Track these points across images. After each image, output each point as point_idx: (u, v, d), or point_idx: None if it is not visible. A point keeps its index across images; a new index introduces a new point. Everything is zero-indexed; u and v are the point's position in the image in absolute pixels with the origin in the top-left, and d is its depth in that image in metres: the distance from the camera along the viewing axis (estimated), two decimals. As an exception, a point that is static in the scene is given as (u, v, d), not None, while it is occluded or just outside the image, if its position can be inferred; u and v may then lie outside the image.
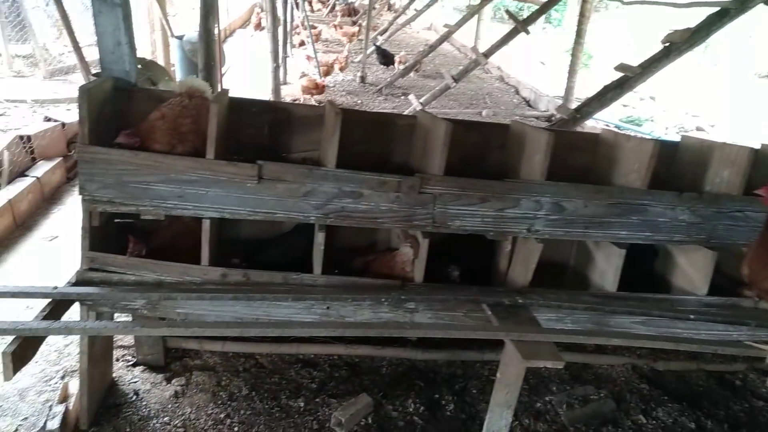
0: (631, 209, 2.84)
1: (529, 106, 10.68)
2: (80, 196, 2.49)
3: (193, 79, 2.74)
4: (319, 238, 2.66)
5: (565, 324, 2.87)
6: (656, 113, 11.73)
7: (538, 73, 13.71)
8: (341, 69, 10.76)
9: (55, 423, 2.68)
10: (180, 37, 7.62)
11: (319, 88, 8.72)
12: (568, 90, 9.42)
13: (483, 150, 3.20)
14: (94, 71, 5.20)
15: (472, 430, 3.16)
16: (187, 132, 2.62)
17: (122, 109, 2.77)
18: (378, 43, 13.11)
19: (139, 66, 3.43)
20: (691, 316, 2.86)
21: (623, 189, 2.86)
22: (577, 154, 3.28)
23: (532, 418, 3.27)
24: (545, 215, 2.80)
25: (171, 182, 2.50)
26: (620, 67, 4.70)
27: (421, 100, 7.87)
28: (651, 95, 13.90)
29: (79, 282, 2.57)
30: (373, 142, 3.11)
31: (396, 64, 11.76)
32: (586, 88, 11.25)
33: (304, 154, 3.06)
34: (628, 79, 4.53)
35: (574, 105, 9.87)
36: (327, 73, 10.20)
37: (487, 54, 7.84)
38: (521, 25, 7.47)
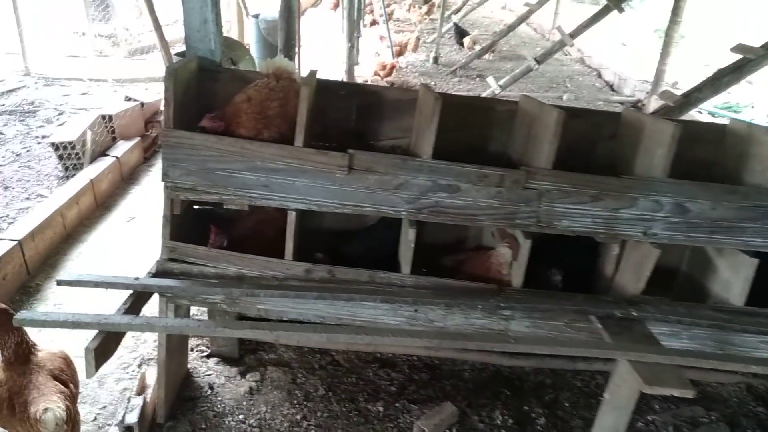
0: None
1: (613, 90, 10.03)
2: (162, 183, 2.36)
3: (281, 59, 2.55)
4: (410, 234, 2.43)
5: (681, 340, 2.52)
6: (756, 99, 10.77)
7: (619, 54, 12.89)
8: (413, 49, 10.45)
9: (133, 417, 2.60)
10: (256, 16, 7.52)
11: (389, 69, 8.47)
12: (659, 74, 8.72)
13: (590, 141, 2.87)
14: (173, 51, 5.15)
15: (565, 449, 2.89)
16: (274, 116, 2.44)
17: (206, 90, 2.63)
18: (455, 21, 12.68)
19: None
20: (837, 340, 2.46)
21: (762, 190, 2.48)
22: (698, 147, 2.88)
23: (635, 441, 2.96)
24: (665, 217, 2.46)
25: (257, 170, 2.32)
26: (738, 48, 4.20)
27: (500, 83, 7.47)
28: (748, 79, 12.83)
29: (159, 273, 2.46)
30: (467, 128, 2.83)
31: (465, 46, 11.31)
32: (674, 72, 10.53)
33: (393, 141, 2.83)
34: (748, 62, 4.03)
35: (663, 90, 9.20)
36: (400, 53, 9.93)
37: (574, 35, 7.34)
38: (614, 2, 6.93)
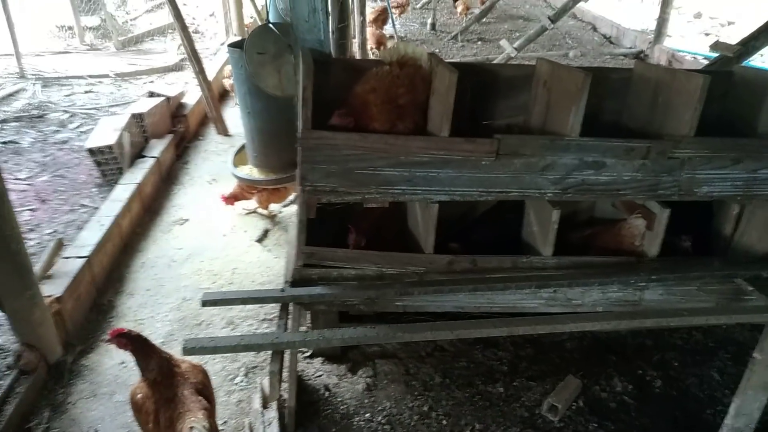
0: None
1: (612, 43, 10.02)
2: (299, 187, 2.24)
3: (406, 45, 2.42)
4: (554, 215, 2.37)
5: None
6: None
7: (612, 5, 12.81)
8: (400, 14, 10.21)
9: (273, 430, 2.52)
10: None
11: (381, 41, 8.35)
12: (661, 23, 8.73)
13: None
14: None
15: (688, 407, 2.92)
16: (405, 105, 2.33)
17: (318, 83, 2.48)
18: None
19: (275, 30, 3.13)
20: None
21: None
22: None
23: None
24: (802, 174, 2.45)
25: (400, 165, 2.22)
26: (716, 46, 4.20)
27: (515, 45, 7.32)
28: (729, 20, 12.94)
29: (297, 281, 2.36)
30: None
31: (458, 10, 11.09)
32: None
33: (508, 120, 2.74)
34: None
35: (667, 40, 9.23)
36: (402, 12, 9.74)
37: (582, -11, 7.25)
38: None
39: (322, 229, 2.47)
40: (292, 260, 2.43)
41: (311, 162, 2.19)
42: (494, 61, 7.41)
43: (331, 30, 2.46)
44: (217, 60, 7.30)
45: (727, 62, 4.27)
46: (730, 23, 13.23)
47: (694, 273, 2.40)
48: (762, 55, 9.88)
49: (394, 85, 2.32)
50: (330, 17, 2.43)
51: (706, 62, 8.59)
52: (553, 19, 7.06)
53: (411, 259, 2.39)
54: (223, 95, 6.78)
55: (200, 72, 5.43)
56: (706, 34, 12.19)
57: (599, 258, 2.50)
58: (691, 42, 10.90)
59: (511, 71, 2.70)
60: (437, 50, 8.98)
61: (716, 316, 2.15)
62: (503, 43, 7.37)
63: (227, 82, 6.39)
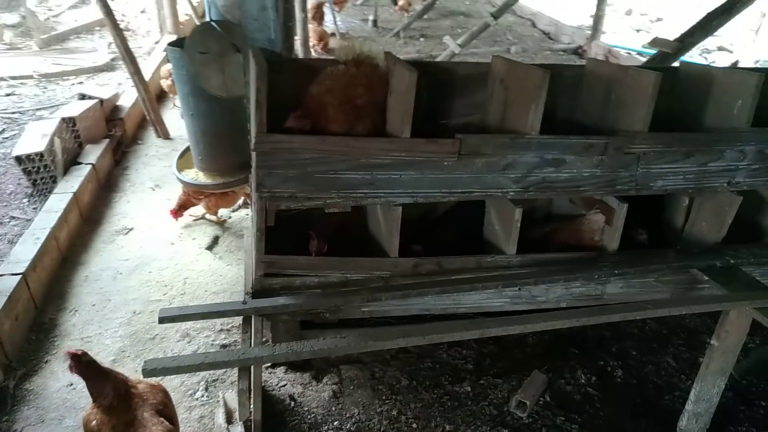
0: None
1: (551, 39, 10.25)
2: (256, 194, 2.14)
3: (362, 43, 2.34)
4: (517, 214, 2.36)
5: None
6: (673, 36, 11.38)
7: (550, 1, 13.09)
8: (339, 9, 10.11)
9: (241, 445, 2.41)
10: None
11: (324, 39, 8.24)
12: (597, 19, 8.99)
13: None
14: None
15: (648, 394, 3.00)
16: (364, 106, 2.25)
17: (270, 84, 2.37)
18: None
19: (218, 28, 3.00)
20: None
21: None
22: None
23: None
24: (747, 165, 2.54)
25: (361, 168, 2.15)
26: (654, 42, 4.41)
27: (459, 42, 7.34)
28: (658, 16, 13.50)
29: (258, 291, 2.25)
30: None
31: (398, 6, 11.08)
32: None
33: (465, 119, 2.72)
34: (736, 2, 4.20)
35: (602, 37, 9.51)
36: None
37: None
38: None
39: (279, 235, 2.36)
40: (251, 270, 2.32)
41: (268, 167, 2.09)
42: (438, 58, 7.43)
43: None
44: (152, 60, 6.97)
45: (666, 58, 4.43)
46: (659, 19, 13.80)
47: (653, 266, 2.45)
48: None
49: (352, 85, 2.25)
50: (278, 15, 2.31)
51: (640, 57, 8.94)
52: (496, 16, 7.13)
53: (376, 264, 2.33)
54: (161, 97, 6.48)
55: (136, 73, 5.16)
56: (637, 30, 12.68)
57: (562, 254, 2.51)
58: (624, 38, 11.30)
59: (466, 69, 2.67)
60: (381, 47, 8.94)
61: (678, 308, 2.19)
62: (447, 39, 7.38)
63: (165, 83, 6.11)
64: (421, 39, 9.41)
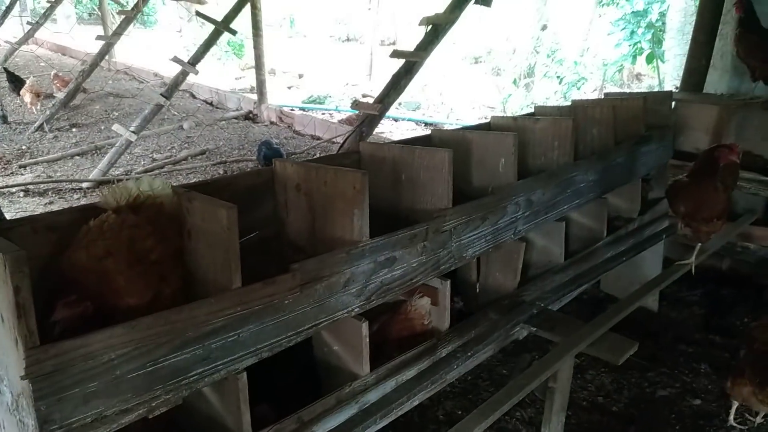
0: (567, 183, 3.03)
1: (217, 108, 10.22)
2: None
3: (138, 182, 1.74)
4: (364, 329, 2.08)
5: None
6: (326, 90, 12.55)
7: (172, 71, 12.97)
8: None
9: None
10: None
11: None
12: (260, 83, 9.33)
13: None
14: None
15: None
16: (162, 261, 1.70)
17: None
18: (3, 66, 10.48)
19: None
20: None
21: (562, 167, 3.01)
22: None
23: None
24: (522, 214, 2.77)
25: (190, 344, 1.59)
26: (396, 54, 4.88)
27: (132, 128, 6.67)
28: (300, 73, 14.75)
29: None
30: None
31: (28, 102, 9.36)
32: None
33: (261, 234, 2.32)
34: (413, 64, 4.72)
35: (271, 99, 9.89)
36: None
37: (194, 62, 7.11)
38: (222, 25, 7.08)
39: None
40: None
41: (55, 393, 1.38)
42: (114, 148, 6.69)
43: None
44: None
45: (373, 119, 4.72)
46: (301, 75, 15.12)
47: (493, 335, 2.46)
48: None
49: (138, 237, 1.67)
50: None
51: (303, 113, 9.57)
52: (167, 96, 6.78)
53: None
54: None
55: None
56: (289, 87, 13.64)
57: (410, 353, 2.32)
58: (283, 96, 12.02)
59: (249, 180, 2.29)
60: (24, 147, 7.59)
61: (535, 378, 2.23)
62: (117, 128, 6.69)
63: None
64: (74, 130, 8.38)
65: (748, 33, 4.10)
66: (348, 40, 20.61)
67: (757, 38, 4.06)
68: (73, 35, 10.77)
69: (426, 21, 4.88)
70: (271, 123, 9.34)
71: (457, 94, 13.28)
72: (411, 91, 12.86)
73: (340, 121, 9.13)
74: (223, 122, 9.21)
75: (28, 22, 12.69)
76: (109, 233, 1.65)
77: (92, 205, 1.79)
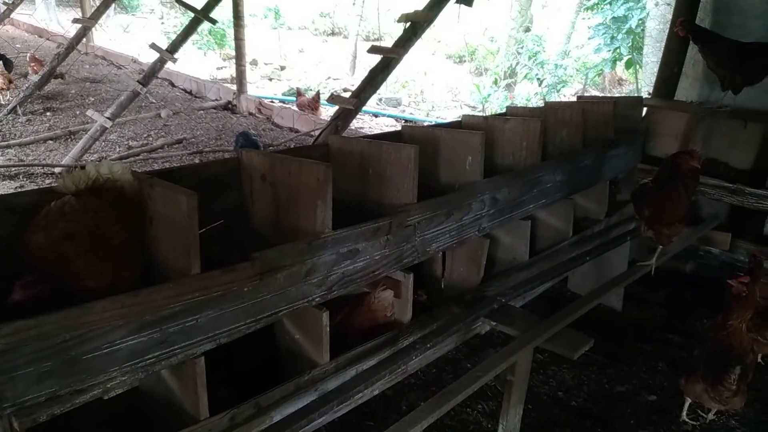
0: (533, 183, 3.10)
1: (196, 97, 10.14)
2: (-6, 414, 1.41)
3: (98, 165, 1.76)
4: (325, 318, 2.12)
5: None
6: (307, 83, 12.55)
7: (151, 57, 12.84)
8: None
9: None
10: None
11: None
12: (240, 74, 9.29)
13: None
14: None
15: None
16: (123, 245, 1.72)
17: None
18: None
19: None
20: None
21: (529, 167, 3.08)
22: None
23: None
24: (487, 211, 2.83)
25: (147, 328, 1.62)
26: (374, 49, 4.90)
27: (107, 114, 6.59)
28: (281, 65, 14.72)
29: None
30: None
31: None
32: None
33: (226, 223, 2.34)
34: (391, 60, 4.75)
35: (251, 90, 9.85)
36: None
37: (172, 50, 7.05)
38: (202, 13, 7.03)
39: None
40: None
41: (8, 371, 1.40)
42: (88, 134, 6.62)
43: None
44: None
45: (350, 114, 4.76)
46: (282, 68, 15.09)
47: (453, 327, 2.51)
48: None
49: (100, 221, 1.69)
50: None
51: (283, 105, 9.54)
52: (144, 83, 6.71)
53: (184, 437, 1.79)
54: None
55: None
56: (270, 79, 13.60)
57: (371, 343, 2.36)
58: (263, 88, 11.97)
59: (215, 170, 2.32)
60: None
61: (490, 370, 2.29)
62: (92, 113, 6.62)
63: None
64: (48, 114, 8.26)
65: (707, 46, 4.18)
66: (333, 33, 20.57)
67: (724, 48, 4.14)
68: (38, 18, 10.53)
69: (405, 18, 4.92)
70: (250, 114, 9.30)
71: (440, 92, 13.37)
72: (392, 88, 12.92)
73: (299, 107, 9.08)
74: (202, 112, 9.15)
75: (4, 2, 12.43)
76: (71, 215, 1.67)
77: (51, 188, 1.80)
